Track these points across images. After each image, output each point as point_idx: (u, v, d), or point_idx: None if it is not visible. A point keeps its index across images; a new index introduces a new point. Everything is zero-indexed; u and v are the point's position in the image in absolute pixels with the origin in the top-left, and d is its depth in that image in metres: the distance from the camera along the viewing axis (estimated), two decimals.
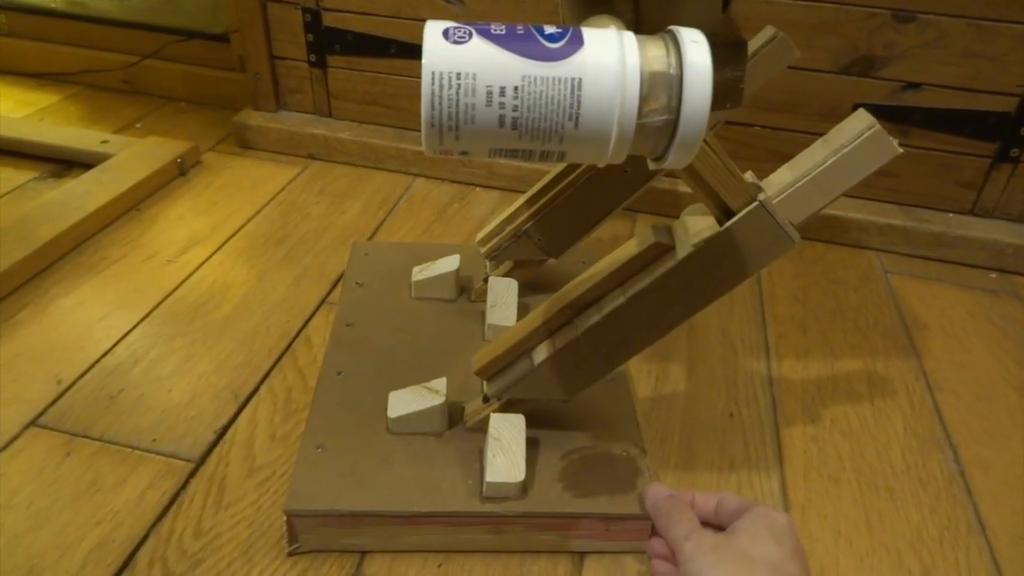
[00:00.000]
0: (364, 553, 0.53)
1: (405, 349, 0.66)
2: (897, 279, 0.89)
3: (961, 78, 0.87)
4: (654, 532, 0.51)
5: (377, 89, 1.05)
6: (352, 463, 0.54)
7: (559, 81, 0.34)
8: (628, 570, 0.54)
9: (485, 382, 0.57)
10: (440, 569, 0.53)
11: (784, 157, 0.99)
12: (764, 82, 0.61)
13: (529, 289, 0.72)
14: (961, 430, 0.68)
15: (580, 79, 0.34)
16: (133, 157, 0.98)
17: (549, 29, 0.36)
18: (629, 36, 0.35)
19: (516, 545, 0.54)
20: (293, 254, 0.85)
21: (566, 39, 0.35)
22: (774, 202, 0.48)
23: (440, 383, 0.58)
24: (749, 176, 0.48)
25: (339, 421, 0.58)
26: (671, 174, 0.49)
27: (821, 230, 0.94)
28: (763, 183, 0.50)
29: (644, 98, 0.35)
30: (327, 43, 1.03)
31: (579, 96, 0.34)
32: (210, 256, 0.84)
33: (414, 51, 1.00)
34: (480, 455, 0.55)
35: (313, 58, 1.04)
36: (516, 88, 0.34)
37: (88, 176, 0.93)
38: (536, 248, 0.68)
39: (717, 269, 0.48)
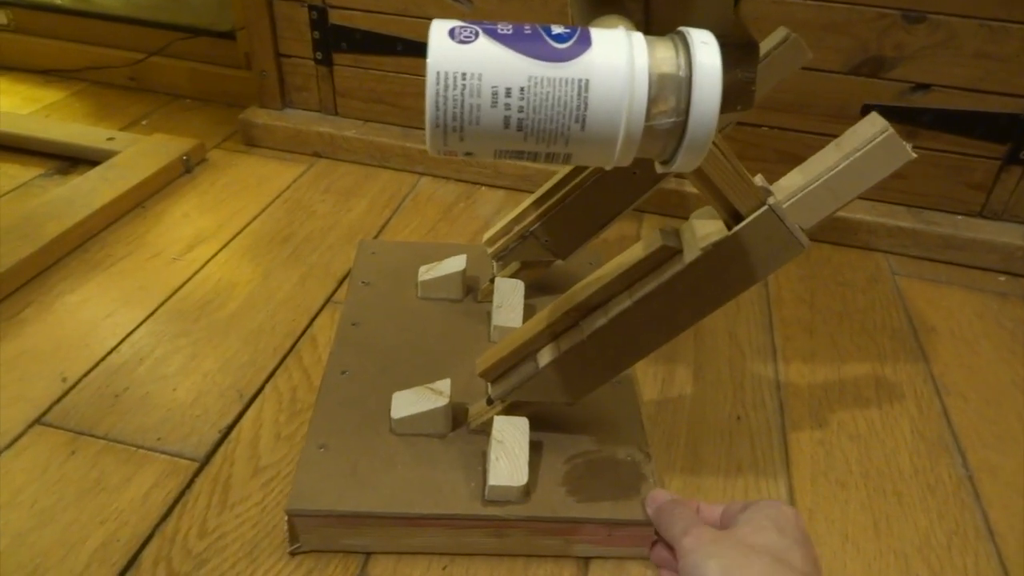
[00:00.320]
0: (369, 554, 0.53)
1: (410, 349, 0.66)
2: (905, 281, 0.89)
3: (971, 79, 0.86)
4: (657, 541, 0.51)
5: (383, 87, 1.04)
6: (354, 464, 0.54)
7: (566, 82, 0.34)
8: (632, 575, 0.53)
9: (489, 384, 0.57)
10: (445, 571, 0.52)
11: (792, 157, 0.98)
12: (776, 84, 0.61)
13: (536, 290, 0.72)
14: (970, 434, 0.67)
15: (587, 80, 0.34)
16: (139, 154, 0.98)
17: (557, 29, 0.35)
18: (638, 37, 0.35)
19: (518, 549, 0.53)
20: (299, 252, 0.85)
21: (574, 39, 0.35)
22: (784, 206, 0.47)
23: (444, 384, 0.58)
24: (759, 179, 0.48)
25: (342, 421, 0.58)
26: (679, 175, 0.48)
27: (829, 232, 0.94)
28: (773, 187, 0.49)
29: (652, 100, 0.34)
30: (333, 41, 1.02)
31: (586, 98, 0.34)
32: (215, 254, 0.84)
33: (420, 49, 0.99)
34: (483, 457, 0.55)
35: (319, 56, 1.04)
36: (522, 89, 0.34)
37: (94, 173, 0.93)
38: (543, 249, 0.68)
39: (725, 273, 0.48)
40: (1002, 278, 0.90)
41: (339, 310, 0.74)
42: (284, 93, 1.09)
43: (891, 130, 0.46)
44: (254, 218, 0.91)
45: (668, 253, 0.48)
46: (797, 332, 0.79)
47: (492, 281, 0.71)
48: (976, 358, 0.77)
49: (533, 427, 0.55)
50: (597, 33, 0.35)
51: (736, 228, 0.46)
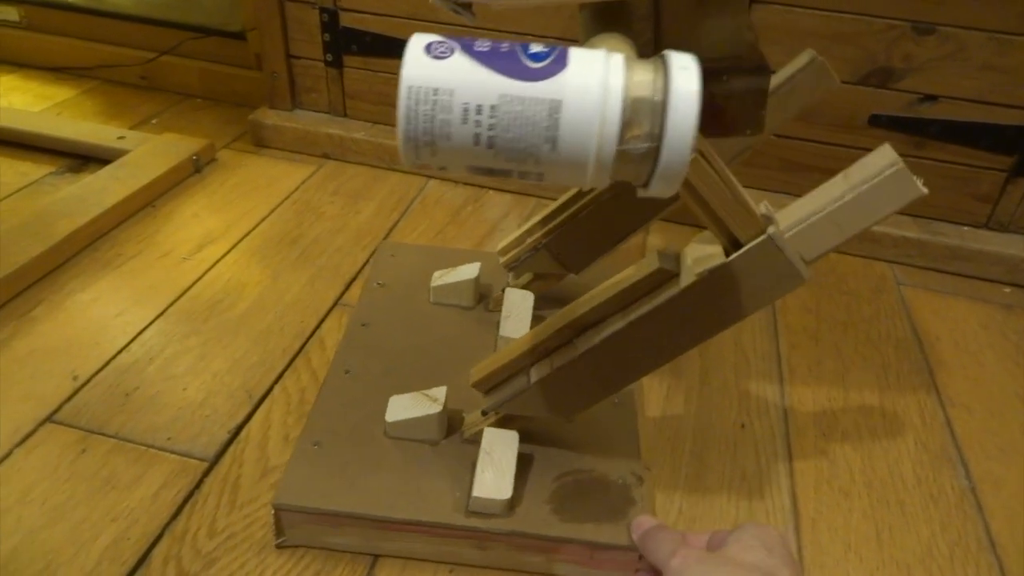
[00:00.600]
0: (376, 558, 0.54)
1: (416, 353, 0.66)
2: (910, 291, 0.89)
3: (979, 91, 0.86)
4: (640, 569, 0.50)
5: (392, 90, 1.05)
6: (344, 463, 0.55)
7: (537, 102, 0.34)
8: None
9: (483, 395, 0.57)
10: (452, 574, 0.53)
11: (799, 167, 0.99)
12: (800, 109, 0.60)
13: (547, 302, 0.71)
14: (973, 445, 0.68)
15: (559, 101, 0.34)
16: (149, 153, 0.98)
17: (534, 48, 0.35)
18: (617, 59, 0.35)
19: (500, 563, 0.53)
20: (307, 254, 0.86)
21: (550, 59, 0.34)
22: (786, 236, 0.46)
23: (440, 392, 0.58)
24: (763, 207, 0.47)
25: (339, 420, 0.58)
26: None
27: None
28: (779, 214, 0.48)
29: (626, 124, 0.34)
30: (344, 43, 1.03)
31: (557, 118, 0.34)
32: (225, 254, 0.84)
33: None
34: (472, 468, 0.54)
35: (330, 58, 1.05)
36: (493, 107, 0.34)
37: (105, 172, 0.94)
38: (554, 262, 0.67)
39: (721, 301, 0.47)
40: (1007, 290, 0.91)
41: (348, 313, 0.74)
42: (294, 94, 1.10)
43: (901, 164, 0.45)
44: (263, 219, 0.92)
45: (664, 276, 0.47)
46: (802, 340, 0.79)
47: (504, 291, 0.71)
48: (980, 370, 0.77)
49: (528, 441, 0.55)
50: (575, 53, 0.35)
51: (733, 256, 0.45)
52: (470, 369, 0.56)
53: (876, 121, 0.90)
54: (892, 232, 0.93)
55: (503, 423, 0.56)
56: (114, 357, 0.69)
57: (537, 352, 0.53)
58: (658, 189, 0.36)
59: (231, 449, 0.60)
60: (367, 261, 0.85)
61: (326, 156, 1.07)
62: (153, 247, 0.85)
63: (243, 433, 0.62)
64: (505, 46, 0.35)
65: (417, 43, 0.35)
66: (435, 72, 0.34)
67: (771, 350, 0.77)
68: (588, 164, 0.35)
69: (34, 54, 1.27)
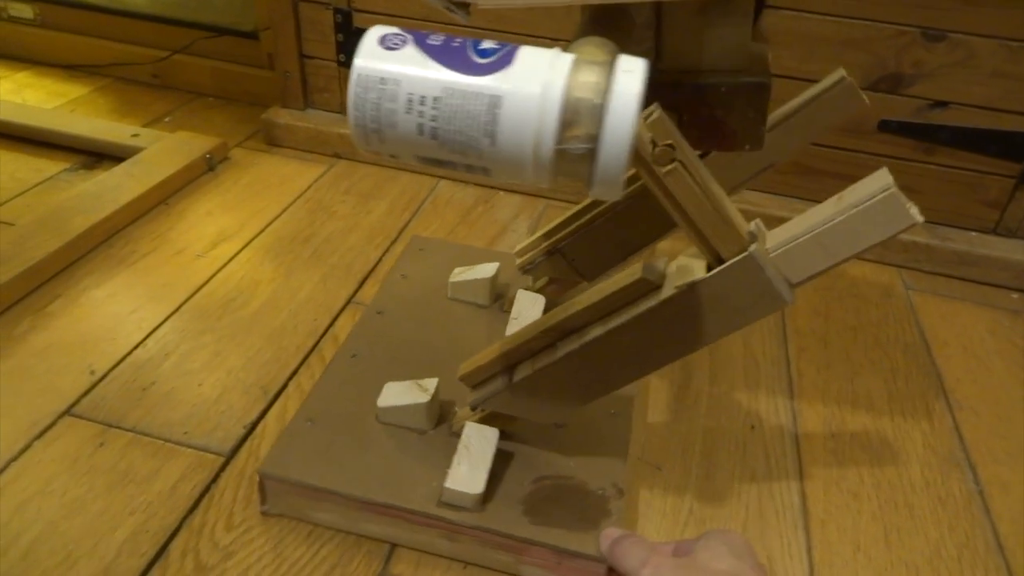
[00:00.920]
0: (391, 552, 0.54)
1: (424, 344, 0.67)
2: (919, 296, 0.89)
3: (988, 98, 0.87)
4: None
5: None
6: (332, 442, 0.56)
7: (477, 97, 0.35)
8: None
9: (470, 389, 0.57)
10: (465, 570, 0.54)
11: (808, 170, 0.99)
12: (823, 129, 0.59)
13: None
14: (980, 449, 0.68)
15: (499, 97, 0.34)
16: (163, 151, 0.99)
17: (485, 44, 0.36)
18: (565, 59, 0.35)
19: (470, 557, 0.54)
20: (320, 253, 0.86)
21: (496, 56, 0.35)
22: (772, 255, 0.44)
23: (431, 383, 0.59)
24: (754, 225, 0.46)
25: (336, 400, 0.60)
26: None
27: None
28: (770, 233, 0.46)
29: (566, 124, 0.34)
30: (357, 44, 1.03)
31: (496, 114, 0.34)
32: (238, 252, 0.85)
33: None
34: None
35: (342, 58, 1.05)
36: (436, 99, 0.35)
37: (119, 169, 0.94)
38: (568, 268, 0.67)
39: (700, 316, 0.46)
40: (1015, 295, 0.91)
41: (361, 311, 0.75)
42: (306, 94, 1.10)
43: (894, 189, 0.43)
44: (276, 217, 0.93)
45: (646, 287, 0.47)
46: (811, 343, 0.80)
47: (517, 293, 0.71)
48: (988, 374, 0.78)
49: (514, 440, 0.55)
50: (524, 52, 0.36)
51: (713, 272, 0.44)
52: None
53: (886, 127, 0.91)
54: (901, 237, 0.92)
55: (490, 420, 0.56)
56: (130, 352, 0.69)
57: (522, 352, 0.53)
58: (600, 191, 0.36)
59: (247, 444, 0.61)
60: (379, 260, 0.86)
61: (338, 156, 1.08)
62: (167, 244, 0.85)
63: (258, 428, 0.63)
64: (457, 41, 0.36)
65: (374, 34, 0.37)
66: (384, 62, 0.36)
67: (780, 353, 0.78)
68: (526, 161, 0.35)
69: (48, 51, 1.28)
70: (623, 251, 0.66)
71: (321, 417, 0.58)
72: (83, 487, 0.56)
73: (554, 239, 0.67)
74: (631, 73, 0.34)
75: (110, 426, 0.62)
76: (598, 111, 0.34)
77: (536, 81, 0.34)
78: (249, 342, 0.72)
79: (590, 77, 0.34)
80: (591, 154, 0.34)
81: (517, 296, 0.70)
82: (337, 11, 1.02)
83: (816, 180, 0.95)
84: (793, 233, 0.44)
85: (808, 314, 0.84)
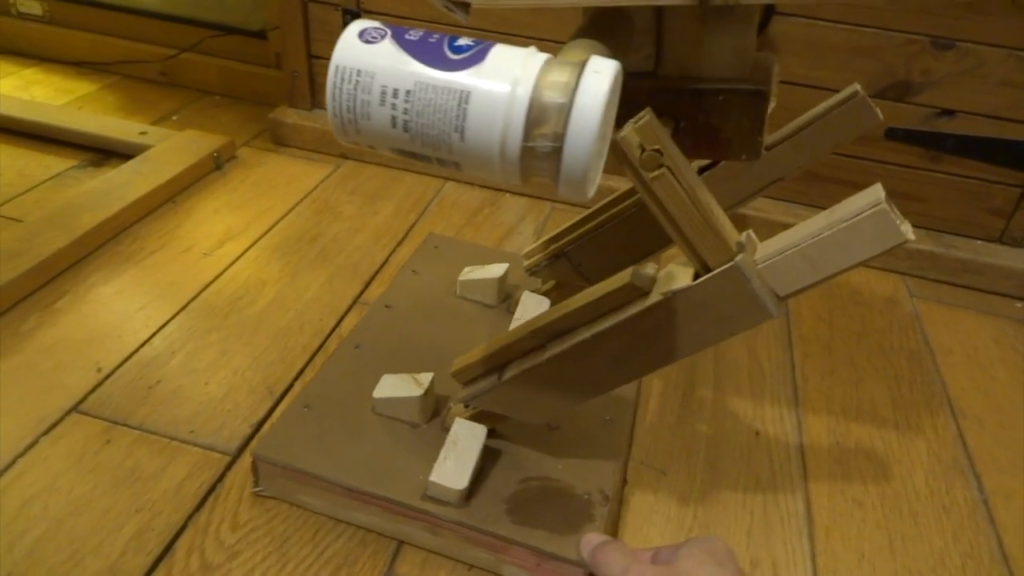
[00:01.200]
0: (397, 551, 0.54)
1: (427, 339, 0.68)
2: (923, 304, 0.90)
3: (996, 107, 0.87)
4: None
5: None
6: (325, 429, 0.57)
7: (448, 92, 0.35)
8: None
9: (462, 386, 0.57)
10: (470, 572, 0.54)
11: (814, 177, 0.99)
12: (835, 145, 0.58)
13: None
14: (985, 458, 0.68)
15: (468, 93, 0.35)
16: (171, 149, 0.99)
17: (460, 41, 0.37)
18: (536, 58, 0.36)
19: (451, 551, 0.54)
20: (326, 253, 0.87)
21: (470, 53, 0.36)
22: (759, 267, 0.44)
23: (426, 377, 0.59)
24: (745, 236, 0.45)
25: (335, 389, 0.61)
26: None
27: None
28: (760, 244, 0.46)
29: (533, 122, 0.34)
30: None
31: (465, 109, 0.35)
32: (245, 251, 0.85)
33: None
34: None
35: None
36: (408, 92, 0.36)
37: (127, 167, 0.95)
38: (574, 272, 0.67)
39: (684, 325, 0.45)
40: (1019, 304, 0.91)
41: (366, 311, 0.75)
42: (314, 94, 1.10)
43: (884, 205, 0.41)
44: (282, 217, 0.93)
45: (634, 292, 0.47)
46: (816, 350, 0.80)
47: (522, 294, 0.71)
48: (992, 383, 0.78)
49: (507, 440, 0.56)
50: (497, 51, 0.36)
51: (699, 280, 0.44)
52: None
53: (892, 134, 0.91)
54: (906, 245, 0.93)
55: (479, 417, 0.56)
56: (137, 350, 0.70)
57: (513, 351, 0.53)
58: (566, 191, 0.36)
59: (253, 443, 0.61)
60: (386, 260, 0.86)
61: (344, 156, 1.08)
62: (174, 242, 0.86)
63: (264, 428, 0.63)
64: (435, 37, 0.37)
65: (354, 28, 0.37)
66: (361, 55, 0.36)
67: (785, 359, 0.78)
68: (494, 157, 0.36)
69: (56, 48, 1.28)
70: (629, 257, 0.65)
71: (318, 404, 0.59)
72: (89, 484, 0.57)
73: (561, 243, 0.67)
74: (599, 74, 0.34)
75: (116, 423, 0.62)
76: (564, 110, 0.34)
77: (506, 78, 0.35)
78: (255, 341, 0.72)
79: (560, 76, 0.35)
80: (557, 152, 0.35)
81: (522, 298, 0.70)
82: (346, 11, 1.02)
83: (821, 187, 0.95)
84: (782, 245, 0.44)
85: (813, 320, 0.84)
